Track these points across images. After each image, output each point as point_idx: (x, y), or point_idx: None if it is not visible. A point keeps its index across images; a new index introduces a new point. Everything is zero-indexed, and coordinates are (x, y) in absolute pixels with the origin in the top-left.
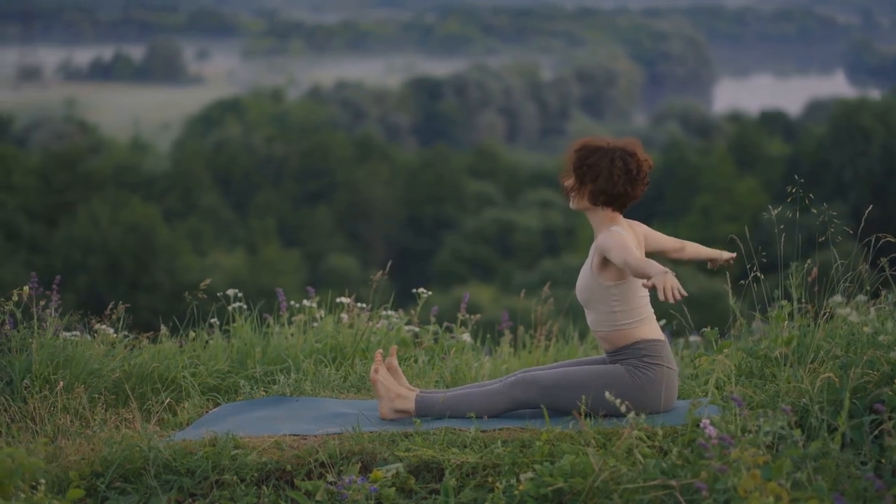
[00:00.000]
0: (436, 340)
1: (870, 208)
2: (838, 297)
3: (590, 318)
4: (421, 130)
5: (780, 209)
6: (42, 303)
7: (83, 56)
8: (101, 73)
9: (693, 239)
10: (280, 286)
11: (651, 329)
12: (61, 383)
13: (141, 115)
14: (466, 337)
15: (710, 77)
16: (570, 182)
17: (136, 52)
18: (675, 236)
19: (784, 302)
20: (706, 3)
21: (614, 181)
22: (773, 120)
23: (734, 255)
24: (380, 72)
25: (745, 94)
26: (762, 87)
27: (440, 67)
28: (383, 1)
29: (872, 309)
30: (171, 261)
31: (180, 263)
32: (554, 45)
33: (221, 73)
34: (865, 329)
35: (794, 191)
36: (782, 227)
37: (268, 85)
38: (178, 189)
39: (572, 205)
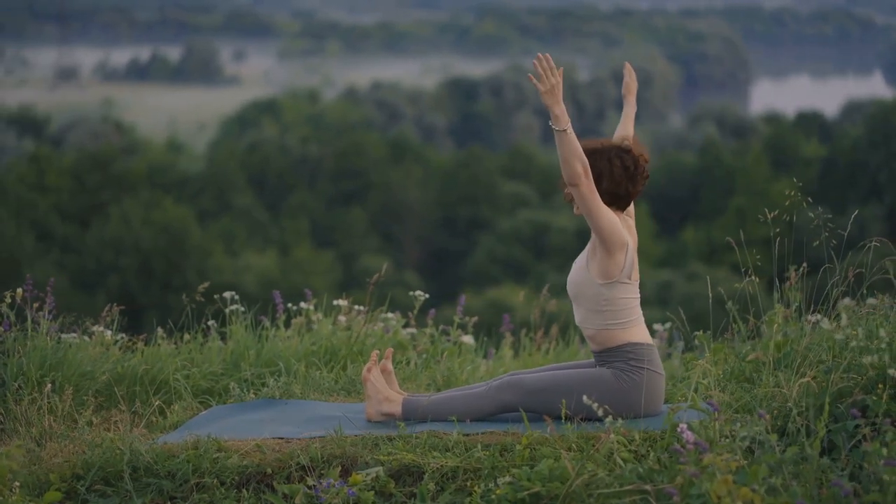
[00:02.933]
0: (432, 343)
1: (856, 213)
2: (847, 301)
3: (578, 314)
4: (457, 131)
5: (776, 213)
6: (35, 305)
7: (120, 57)
8: (138, 73)
9: (724, 242)
10: (311, 287)
11: (639, 332)
12: (48, 385)
13: (177, 115)
14: (468, 339)
15: (747, 78)
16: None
17: (173, 52)
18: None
19: (778, 306)
20: (743, 3)
21: (616, 181)
22: (809, 121)
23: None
24: (416, 72)
25: (781, 95)
26: (799, 88)
27: (476, 68)
28: (419, 2)
29: (843, 315)
30: (203, 261)
31: (212, 264)
32: (590, 46)
33: (258, 73)
34: (837, 336)
35: (791, 194)
36: (778, 230)
37: (304, 85)
38: (211, 189)
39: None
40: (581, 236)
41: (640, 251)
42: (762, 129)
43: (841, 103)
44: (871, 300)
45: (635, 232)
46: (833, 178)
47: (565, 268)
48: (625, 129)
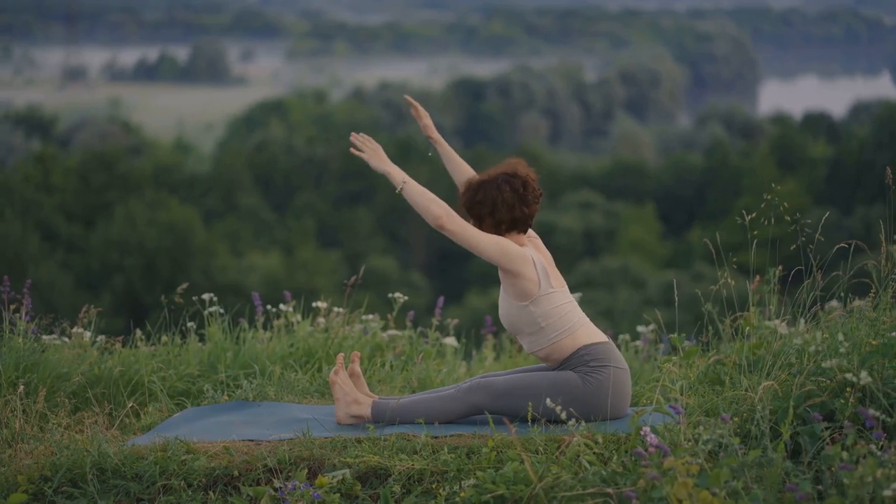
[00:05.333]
0: (410, 345)
1: (827, 214)
2: (834, 303)
3: (524, 343)
4: (464, 131)
5: (753, 215)
6: (13, 306)
7: (128, 57)
8: (146, 73)
9: (733, 242)
10: (316, 287)
11: (587, 333)
12: (21, 387)
13: (185, 115)
14: (450, 341)
15: (755, 78)
16: (472, 223)
17: (181, 52)
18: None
19: (753, 309)
20: (751, 4)
21: (510, 205)
22: (816, 122)
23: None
24: (423, 73)
25: (789, 95)
26: (807, 88)
27: (483, 68)
28: (427, 2)
29: (802, 320)
30: (208, 261)
31: (217, 264)
32: (598, 47)
33: (265, 73)
34: (796, 340)
35: (769, 198)
36: (756, 233)
37: (311, 86)
38: (218, 190)
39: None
40: (587, 237)
41: (646, 250)
42: (769, 129)
43: (848, 104)
44: (857, 302)
45: (546, 250)
46: (840, 178)
47: (571, 268)
48: (462, 169)
